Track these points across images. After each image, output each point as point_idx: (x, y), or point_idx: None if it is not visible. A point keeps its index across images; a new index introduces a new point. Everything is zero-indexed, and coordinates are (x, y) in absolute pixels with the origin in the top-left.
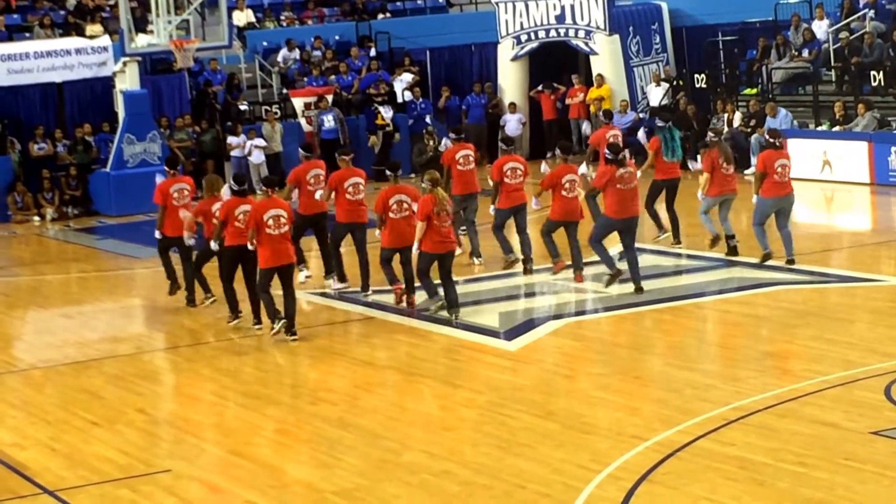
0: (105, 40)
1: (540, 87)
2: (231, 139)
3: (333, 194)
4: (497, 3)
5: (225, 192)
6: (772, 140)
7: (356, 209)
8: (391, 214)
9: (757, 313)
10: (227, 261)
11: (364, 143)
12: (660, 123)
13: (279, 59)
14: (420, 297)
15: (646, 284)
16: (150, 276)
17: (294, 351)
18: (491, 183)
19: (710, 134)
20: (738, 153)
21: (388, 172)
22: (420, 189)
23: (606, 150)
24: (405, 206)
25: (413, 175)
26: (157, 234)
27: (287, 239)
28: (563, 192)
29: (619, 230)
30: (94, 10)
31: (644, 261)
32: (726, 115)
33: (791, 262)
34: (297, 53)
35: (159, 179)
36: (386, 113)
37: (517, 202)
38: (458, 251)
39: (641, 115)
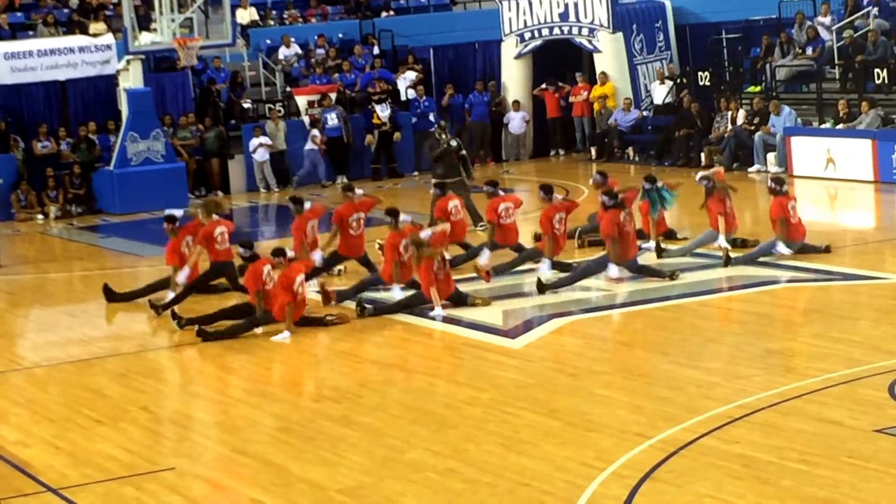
0: (108, 38)
1: (544, 86)
2: (261, 139)
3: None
4: (501, 1)
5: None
6: (776, 187)
7: (356, 243)
8: (401, 259)
9: (761, 311)
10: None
11: (365, 142)
12: (647, 186)
13: (281, 56)
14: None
15: (648, 283)
16: (153, 273)
17: (297, 349)
18: (486, 225)
19: (704, 181)
20: (742, 151)
21: (388, 219)
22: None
23: (604, 197)
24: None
25: (416, 174)
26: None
27: (304, 298)
28: (556, 232)
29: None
30: (98, 9)
31: (648, 259)
32: (730, 113)
33: (828, 248)
34: (295, 50)
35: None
36: (382, 112)
37: (513, 241)
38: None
39: (645, 113)
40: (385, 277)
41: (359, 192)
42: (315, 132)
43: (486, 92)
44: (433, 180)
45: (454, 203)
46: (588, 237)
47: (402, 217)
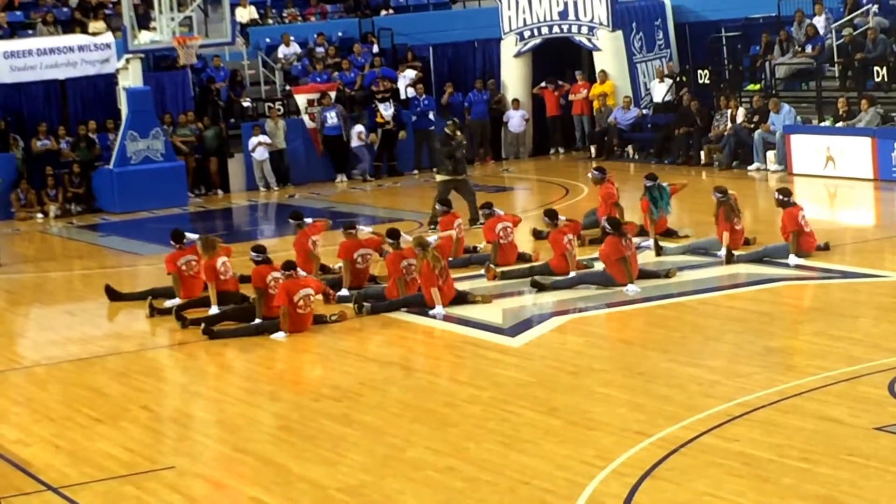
0: (108, 37)
1: (543, 84)
2: (260, 138)
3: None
4: (500, 0)
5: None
6: (784, 199)
7: (362, 275)
8: (405, 277)
9: (761, 309)
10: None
11: (366, 140)
12: (648, 183)
13: (281, 55)
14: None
15: (648, 281)
16: (153, 272)
17: (297, 347)
18: (486, 244)
19: (717, 193)
20: (742, 149)
21: (388, 240)
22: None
23: (606, 224)
24: (413, 268)
25: (416, 172)
26: (172, 303)
27: (311, 315)
28: (566, 254)
29: None
30: (97, 7)
31: (648, 257)
32: (730, 112)
33: (826, 246)
34: (294, 49)
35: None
36: (385, 111)
37: (513, 261)
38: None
39: (644, 112)
40: (389, 296)
41: (365, 230)
42: (360, 128)
43: (485, 90)
44: (441, 177)
45: (459, 221)
46: (588, 235)
47: (404, 237)
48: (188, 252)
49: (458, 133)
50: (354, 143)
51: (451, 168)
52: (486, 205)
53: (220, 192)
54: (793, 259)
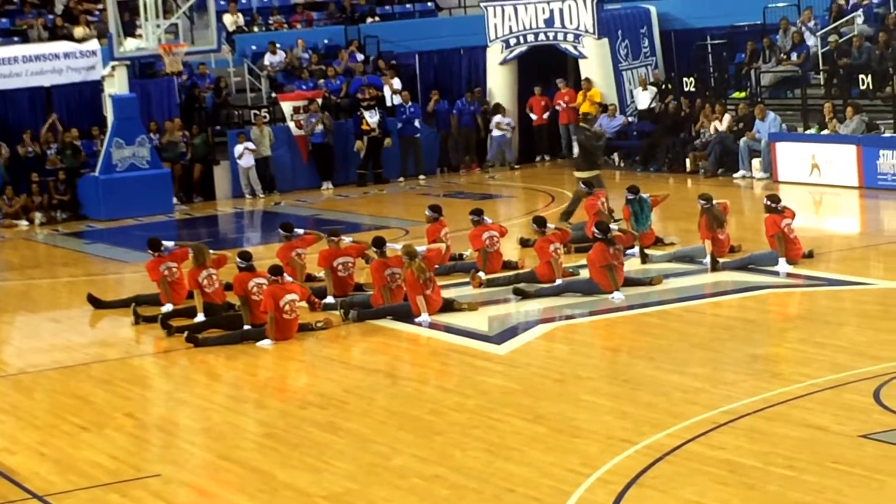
0: (94, 44)
1: (536, 91)
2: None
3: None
4: (486, 7)
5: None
6: (771, 204)
7: (346, 283)
8: (390, 285)
9: (746, 317)
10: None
11: (352, 148)
12: (629, 196)
13: (267, 63)
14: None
15: (633, 289)
16: (138, 280)
17: (283, 355)
18: (471, 252)
19: (701, 201)
20: (727, 157)
21: (373, 248)
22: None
23: (595, 229)
24: (397, 276)
25: (402, 179)
26: (166, 308)
27: (297, 321)
28: (550, 261)
29: None
30: (83, 14)
31: (634, 264)
32: (716, 118)
33: (811, 254)
34: (280, 57)
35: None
36: (371, 118)
37: (498, 268)
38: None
39: (630, 119)
40: (375, 304)
41: (347, 239)
42: (499, 118)
43: (473, 102)
44: (588, 173)
45: (446, 230)
46: (575, 244)
47: (389, 245)
48: (168, 259)
49: (598, 129)
50: (495, 132)
51: (586, 166)
52: (476, 210)
53: (199, 198)
54: (783, 265)
